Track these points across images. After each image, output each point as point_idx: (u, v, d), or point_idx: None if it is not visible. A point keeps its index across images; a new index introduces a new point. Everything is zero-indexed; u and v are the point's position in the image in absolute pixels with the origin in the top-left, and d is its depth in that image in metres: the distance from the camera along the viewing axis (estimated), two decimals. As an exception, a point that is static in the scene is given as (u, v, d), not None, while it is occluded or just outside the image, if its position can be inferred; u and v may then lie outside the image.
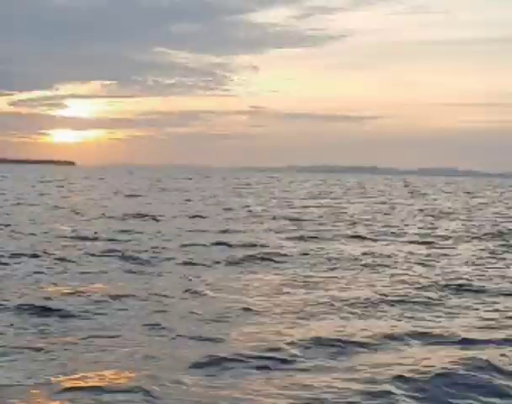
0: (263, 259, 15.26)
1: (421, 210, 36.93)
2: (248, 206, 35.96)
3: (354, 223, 27.25)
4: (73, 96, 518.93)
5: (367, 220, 29.43)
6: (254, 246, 17.74)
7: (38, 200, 36.62)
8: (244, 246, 17.69)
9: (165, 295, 10.83)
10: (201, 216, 27.90)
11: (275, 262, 15.09)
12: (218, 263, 14.68)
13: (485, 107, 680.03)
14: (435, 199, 53.11)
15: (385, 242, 20.36)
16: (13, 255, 14.77)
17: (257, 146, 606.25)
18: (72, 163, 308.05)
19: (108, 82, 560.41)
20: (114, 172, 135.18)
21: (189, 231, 21.76)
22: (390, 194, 63.56)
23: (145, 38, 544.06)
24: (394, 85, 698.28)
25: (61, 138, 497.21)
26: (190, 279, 12.34)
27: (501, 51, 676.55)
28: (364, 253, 17.09)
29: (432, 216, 32.52)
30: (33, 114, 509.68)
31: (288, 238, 20.34)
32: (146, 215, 26.87)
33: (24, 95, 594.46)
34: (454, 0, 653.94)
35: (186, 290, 11.22)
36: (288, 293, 11.38)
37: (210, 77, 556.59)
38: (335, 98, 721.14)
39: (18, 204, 32.73)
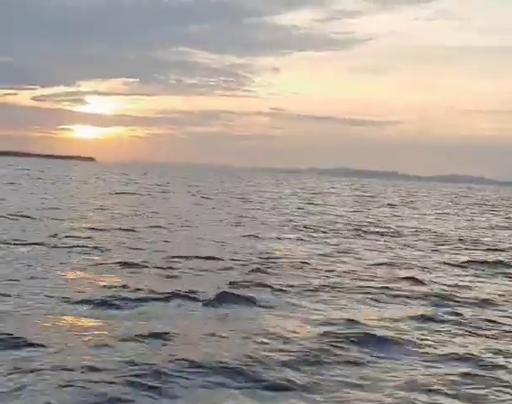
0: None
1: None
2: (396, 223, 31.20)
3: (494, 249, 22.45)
4: (95, 93, 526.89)
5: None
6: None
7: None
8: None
9: None
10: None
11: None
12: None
13: (507, 114, 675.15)
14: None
15: None
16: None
17: (277, 147, 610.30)
18: (92, 159, 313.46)
19: (130, 80, 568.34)
20: (141, 170, 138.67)
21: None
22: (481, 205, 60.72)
23: (168, 37, 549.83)
24: (416, 89, 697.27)
25: (81, 134, 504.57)
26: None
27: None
28: None
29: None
30: (54, 110, 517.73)
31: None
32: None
33: (47, 90, 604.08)
34: (476, 6, 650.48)
35: None
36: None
37: (232, 78, 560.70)
38: (357, 101, 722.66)
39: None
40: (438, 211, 45.42)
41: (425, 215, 40.34)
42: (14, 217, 22.41)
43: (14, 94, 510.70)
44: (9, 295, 10.41)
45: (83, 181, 63.77)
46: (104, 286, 11.78)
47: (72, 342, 8.12)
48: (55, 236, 18.02)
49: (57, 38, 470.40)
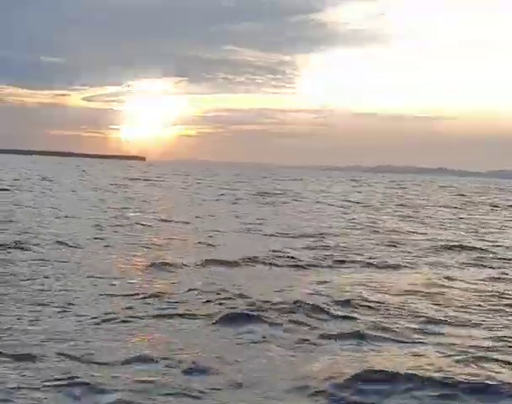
0: None
1: None
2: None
3: None
4: (144, 92, 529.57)
5: None
6: None
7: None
8: None
9: None
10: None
11: None
12: None
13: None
14: None
15: None
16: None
17: (322, 144, 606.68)
18: (142, 158, 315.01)
19: (178, 80, 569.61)
20: (202, 170, 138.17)
21: None
22: None
23: (215, 36, 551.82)
24: (464, 85, 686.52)
25: (130, 133, 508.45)
26: None
27: None
28: None
29: None
30: (104, 110, 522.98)
31: None
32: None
33: (97, 91, 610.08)
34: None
35: None
36: None
37: (279, 75, 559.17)
38: (404, 97, 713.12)
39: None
40: None
41: None
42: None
43: (66, 95, 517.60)
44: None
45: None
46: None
47: None
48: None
49: (108, 38, 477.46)
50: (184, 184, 60.22)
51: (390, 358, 7.71)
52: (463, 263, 16.31)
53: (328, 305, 10.31)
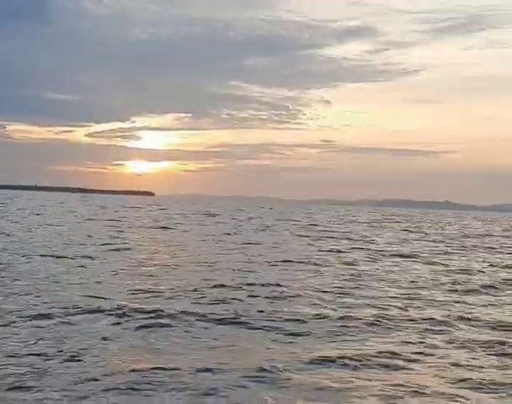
0: None
1: None
2: None
3: None
4: (148, 128, 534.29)
5: None
6: None
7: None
8: None
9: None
10: None
11: None
12: None
13: None
14: None
15: None
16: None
17: (328, 179, 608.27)
18: (151, 194, 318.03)
19: (182, 115, 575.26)
20: (210, 204, 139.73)
21: None
22: None
23: (220, 71, 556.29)
24: (467, 120, 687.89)
25: (135, 169, 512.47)
26: None
27: None
28: None
29: None
30: (108, 146, 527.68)
31: None
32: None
33: (101, 127, 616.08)
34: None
35: None
36: None
37: (283, 111, 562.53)
38: (408, 132, 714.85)
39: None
40: None
41: None
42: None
43: (69, 131, 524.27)
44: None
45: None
46: None
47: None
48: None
49: (112, 75, 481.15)
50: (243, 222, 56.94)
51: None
52: None
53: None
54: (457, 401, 7.29)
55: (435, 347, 9.64)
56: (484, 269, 21.36)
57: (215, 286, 14.44)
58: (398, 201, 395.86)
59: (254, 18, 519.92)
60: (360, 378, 7.96)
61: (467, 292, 15.65)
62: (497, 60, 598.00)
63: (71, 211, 59.29)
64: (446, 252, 28.29)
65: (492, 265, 22.97)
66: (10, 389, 7.04)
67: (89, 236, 27.85)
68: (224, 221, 53.48)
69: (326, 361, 8.57)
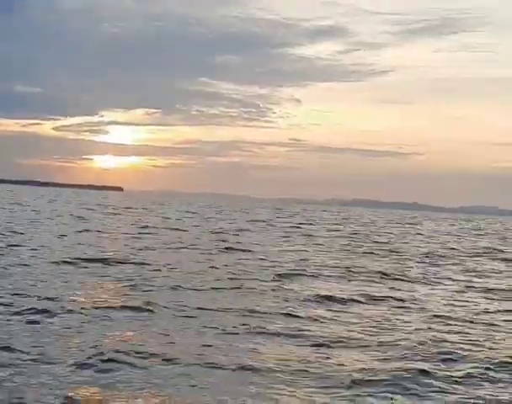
0: None
1: None
2: None
3: None
4: (117, 123, 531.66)
5: None
6: None
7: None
8: None
9: None
10: None
11: None
12: None
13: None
14: None
15: None
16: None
17: (296, 178, 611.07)
18: (120, 189, 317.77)
19: (152, 111, 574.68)
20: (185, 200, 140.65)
21: None
22: None
23: (191, 68, 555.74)
24: (436, 121, 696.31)
25: (103, 164, 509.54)
26: None
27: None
28: None
29: None
30: (76, 140, 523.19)
31: None
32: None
33: (69, 120, 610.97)
34: (500, 39, 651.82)
35: None
36: None
37: (253, 109, 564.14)
38: (377, 132, 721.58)
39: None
40: None
41: None
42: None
43: (37, 124, 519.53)
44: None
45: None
46: None
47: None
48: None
49: (81, 68, 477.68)
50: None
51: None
52: None
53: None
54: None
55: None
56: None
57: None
58: (367, 201, 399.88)
59: (227, 15, 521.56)
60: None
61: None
62: (467, 62, 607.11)
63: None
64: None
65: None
66: None
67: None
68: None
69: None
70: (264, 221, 58.76)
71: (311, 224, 61.04)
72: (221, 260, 22.28)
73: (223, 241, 30.76)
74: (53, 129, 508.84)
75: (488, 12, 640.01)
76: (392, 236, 47.76)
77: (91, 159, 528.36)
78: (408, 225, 74.42)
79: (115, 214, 57.31)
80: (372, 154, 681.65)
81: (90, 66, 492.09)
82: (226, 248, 26.78)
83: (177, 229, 38.81)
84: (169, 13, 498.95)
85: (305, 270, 20.67)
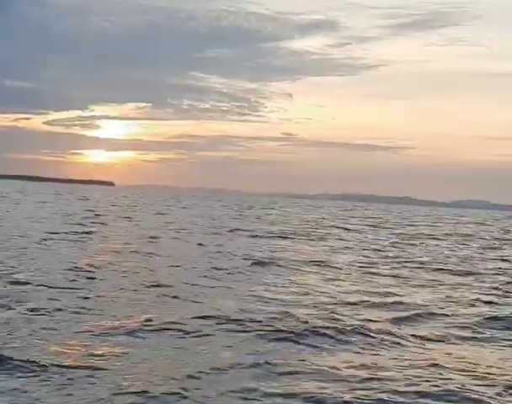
0: None
1: None
2: None
3: None
4: (108, 117, 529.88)
5: None
6: None
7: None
8: None
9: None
10: None
11: None
12: None
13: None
14: None
15: None
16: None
17: (288, 172, 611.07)
18: (111, 184, 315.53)
19: (143, 105, 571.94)
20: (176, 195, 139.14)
21: None
22: None
23: (182, 62, 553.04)
24: (428, 116, 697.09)
25: (94, 158, 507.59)
26: None
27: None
28: None
29: None
30: (67, 134, 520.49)
31: None
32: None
33: (59, 115, 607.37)
34: (492, 33, 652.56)
35: None
36: None
37: (245, 103, 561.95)
38: (368, 127, 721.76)
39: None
40: None
41: None
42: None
43: (27, 118, 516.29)
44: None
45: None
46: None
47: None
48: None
49: (72, 62, 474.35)
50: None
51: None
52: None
53: None
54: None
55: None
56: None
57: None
58: (358, 196, 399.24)
59: (217, 8, 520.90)
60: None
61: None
62: (456, 57, 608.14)
63: None
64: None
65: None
66: None
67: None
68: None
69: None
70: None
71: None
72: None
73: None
74: (44, 123, 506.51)
75: (478, 6, 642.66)
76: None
77: (81, 153, 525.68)
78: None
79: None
80: (363, 148, 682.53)
81: (81, 60, 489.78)
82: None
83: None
84: (159, 6, 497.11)
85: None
